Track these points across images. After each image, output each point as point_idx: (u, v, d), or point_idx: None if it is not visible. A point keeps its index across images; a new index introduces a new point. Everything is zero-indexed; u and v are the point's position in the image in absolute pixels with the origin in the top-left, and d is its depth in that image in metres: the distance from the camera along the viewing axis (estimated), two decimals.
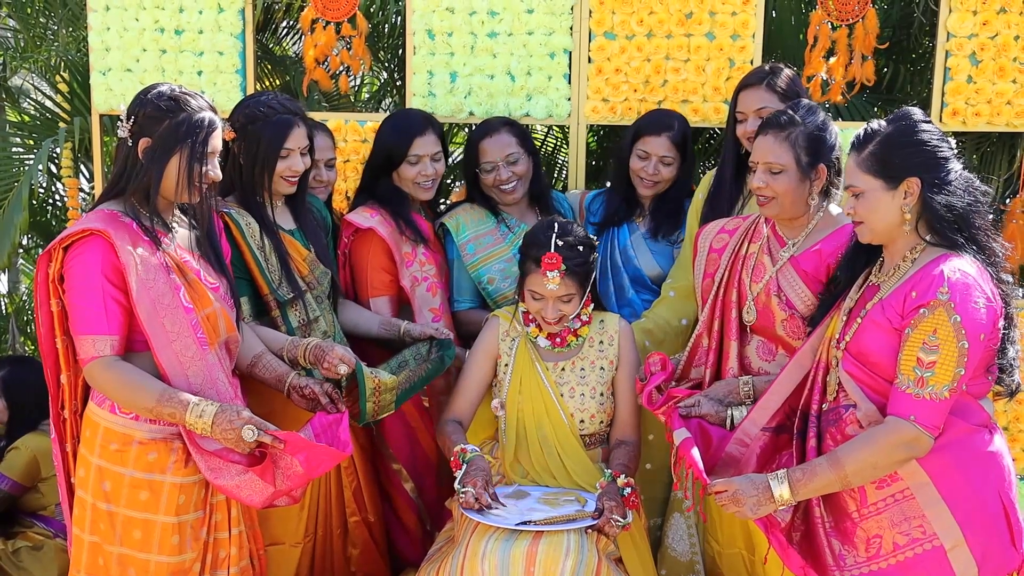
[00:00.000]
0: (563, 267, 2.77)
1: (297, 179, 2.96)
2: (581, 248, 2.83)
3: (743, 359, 2.81)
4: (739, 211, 3.16)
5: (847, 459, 2.26)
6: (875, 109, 4.65)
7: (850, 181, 2.36)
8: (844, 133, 2.84)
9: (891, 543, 2.30)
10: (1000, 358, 2.32)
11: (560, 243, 2.79)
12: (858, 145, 2.34)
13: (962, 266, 2.22)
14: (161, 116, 2.42)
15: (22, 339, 5.89)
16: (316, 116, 3.67)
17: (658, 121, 3.43)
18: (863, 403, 2.32)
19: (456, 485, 2.71)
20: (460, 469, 2.74)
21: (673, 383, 2.85)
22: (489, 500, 2.64)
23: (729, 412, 2.67)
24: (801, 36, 4.07)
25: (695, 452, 2.45)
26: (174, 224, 2.55)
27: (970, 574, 2.25)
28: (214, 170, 2.49)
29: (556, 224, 2.85)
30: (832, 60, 3.75)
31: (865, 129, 2.35)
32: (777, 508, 2.33)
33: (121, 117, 2.46)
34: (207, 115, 2.45)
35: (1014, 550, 2.29)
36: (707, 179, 3.35)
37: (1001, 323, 2.27)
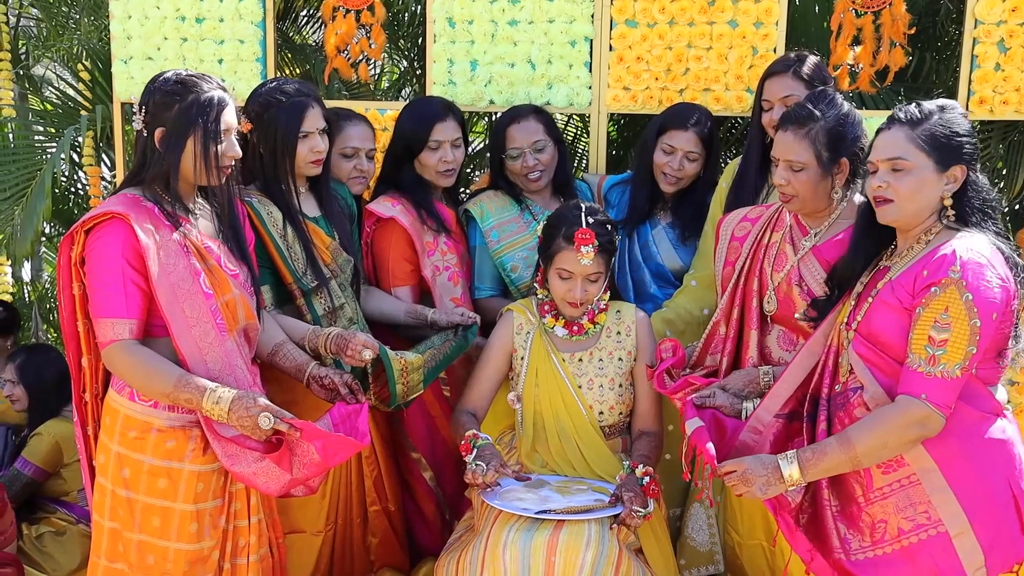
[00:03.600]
0: (596, 242, 2.77)
1: (322, 160, 2.95)
2: (608, 227, 2.85)
3: (763, 348, 2.79)
4: (764, 200, 3.13)
5: (857, 439, 2.25)
6: (900, 98, 4.60)
7: (897, 154, 2.27)
8: (868, 122, 2.80)
9: (896, 528, 2.29)
10: (1014, 343, 2.29)
11: (591, 220, 2.80)
12: (911, 121, 2.28)
13: (975, 245, 2.21)
14: (170, 101, 2.41)
15: (45, 326, 5.94)
16: (336, 104, 3.67)
17: (685, 115, 3.39)
18: (871, 385, 2.31)
19: (468, 461, 2.71)
20: (471, 453, 2.74)
21: (688, 370, 2.84)
22: (495, 477, 2.64)
23: (744, 405, 2.65)
24: (825, 24, 4.02)
25: (707, 441, 2.45)
26: (196, 210, 2.54)
27: (976, 561, 2.23)
28: (232, 148, 2.48)
29: (582, 204, 2.87)
30: (858, 48, 3.71)
31: (918, 105, 2.30)
32: (787, 488, 2.32)
33: (134, 109, 2.46)
34: (216, 93, 2.44)
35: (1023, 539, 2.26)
36: (731, 167, 3.32)
37: (1015, 304, 2.24)
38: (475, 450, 2.74)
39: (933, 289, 2.18)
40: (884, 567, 2.30)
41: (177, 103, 2.41)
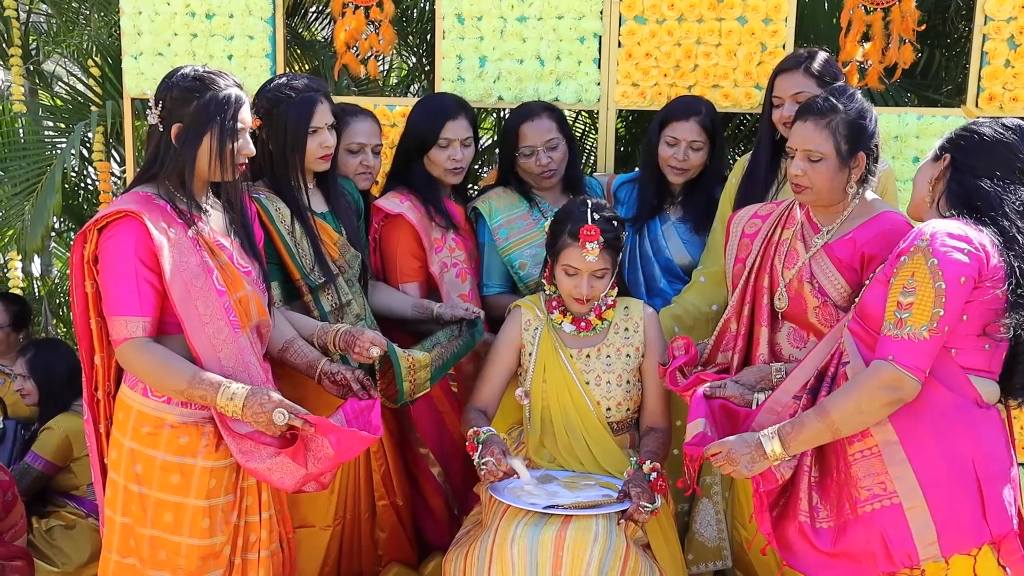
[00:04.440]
0: (601, 239, 2.79)
1: (331, 155, 2.96)
2: (615, 223, 2.86)
3: (774, 346, 2.79)
4: (774, 196, 3.13)
5: (832, 407, 2.29)
6: (908, 95, 4.59)
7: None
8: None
9: (854, 497, 2.32)
10: (1010, 316, 2.26)
11: (596, 216, 2.81)
12: None
13: (953, 221, 2.25)
14: (188, 98, 2.42)
15: (55, 321, 5.97)
16: (345, 100, 3.68)
17: (686, 106, 3.40)
18: (855, 359, 2.35)
19: (475, 460, 2.72)
20: (476, 451, 2.75)
21: (699, 368, 2.84)
22: (509, 467, 2.65)
23: (755, 396, 2.65)
24: (834, 20, 4.02)
25: (699, 441, 2.47)
26: (208, 207, 2.55)
27: (927, 537, 2.24)
28: (247, 146, 2.49)
29: (588, 201, 2.88)
30: (867, 45, 3.70)
31: None
32: (772, 464, 2.36)
33: (149, 104, 2.47)
34: (233, 91, 2.45)
35: (984, 525, 2.25)
36: (741, 163, 3.32)
37: (1002, 286, 2.22)
38: (479, 447, 2.75)
39: (902, 258, 2.24)
40: (839, 534, 2.35)
41: (196, 99, 2.41)
